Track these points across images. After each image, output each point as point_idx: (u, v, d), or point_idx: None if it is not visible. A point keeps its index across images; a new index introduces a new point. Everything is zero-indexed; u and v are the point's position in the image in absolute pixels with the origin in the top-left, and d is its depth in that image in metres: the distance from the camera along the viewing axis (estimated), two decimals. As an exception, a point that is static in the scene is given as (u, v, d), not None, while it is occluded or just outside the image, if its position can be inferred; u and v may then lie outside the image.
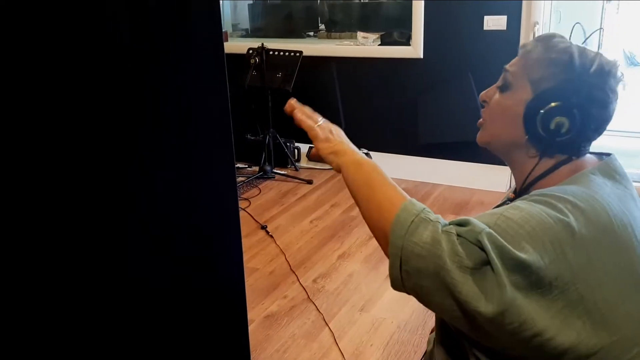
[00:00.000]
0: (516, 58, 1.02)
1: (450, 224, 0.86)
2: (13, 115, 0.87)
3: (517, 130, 0.98)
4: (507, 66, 1.03)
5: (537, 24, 3.50)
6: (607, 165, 0.96)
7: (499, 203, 1.15)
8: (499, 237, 0.80)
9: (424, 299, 0.85)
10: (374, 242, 3.19)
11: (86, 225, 1.01)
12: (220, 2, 2.07)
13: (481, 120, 1.06)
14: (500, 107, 1.01)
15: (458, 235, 0.81)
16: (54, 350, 1.01)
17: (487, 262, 0.78)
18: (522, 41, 3.56)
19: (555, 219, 0.83)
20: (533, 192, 0.92)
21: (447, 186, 3.98)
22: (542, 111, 0.94)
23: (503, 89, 1.01)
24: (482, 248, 0.79)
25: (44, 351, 0.99)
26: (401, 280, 0.85)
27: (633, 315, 0.84)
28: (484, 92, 1.06)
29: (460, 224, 0.84)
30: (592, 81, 0.93)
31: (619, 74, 0.96)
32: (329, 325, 2.43)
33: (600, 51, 0.98)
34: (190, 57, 1.14)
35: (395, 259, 0.84)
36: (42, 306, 0.97)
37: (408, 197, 0.91)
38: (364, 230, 3.34)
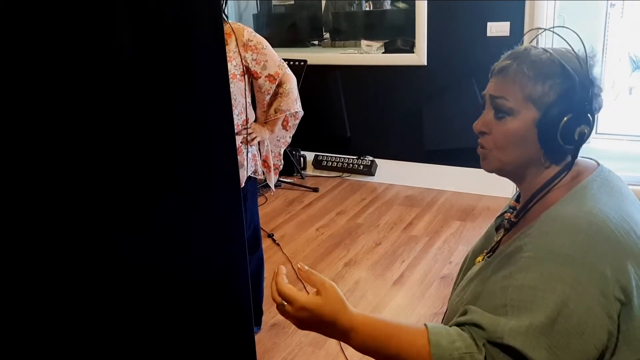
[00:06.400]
0: (496, 80, 1.00)
1: (466, 325, 0.87)
2: (11, 115, 0.89)
3: (532, 149, 0.97)
4: (492, 92, 0.99)
5: (541, 29, 3.50)
6: (599, 176, 0.97)
7: (501, 212, 1.16)
8: (519, 324, 0.82)
9: None
10: (380, 249, 3.20)
11: (88, 229, 1.02)
12: (226, 12, 2.10)
13: (483, 149, 1.03)
14: (508, 134, 0.97)
15: (489, 342, 0.84)
16: (53, 350, 1.02)
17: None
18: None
19: (560, 263, 0.84)
20: (529, 245, 0.91)
21: (453, 192, 3.98)
22: (560, 126, 0.93)
23: (501, 116, 0.98)
24: (515, 350, 0.82)
25: (43, 351, 1.01)
26: None
27: None
28: (478, 123, 1.03)
29: (477, 325, 0.86)
30: (589, 81, 0.94)
31: (597, 58, 0.97)
32: (336, 333, 2.43)
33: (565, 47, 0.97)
34: (192, 70, 1.16)
35: None
36: (43, 307, 0.99)
37: (425, 336, 0.88)
38: (370, 238, 3.35)
